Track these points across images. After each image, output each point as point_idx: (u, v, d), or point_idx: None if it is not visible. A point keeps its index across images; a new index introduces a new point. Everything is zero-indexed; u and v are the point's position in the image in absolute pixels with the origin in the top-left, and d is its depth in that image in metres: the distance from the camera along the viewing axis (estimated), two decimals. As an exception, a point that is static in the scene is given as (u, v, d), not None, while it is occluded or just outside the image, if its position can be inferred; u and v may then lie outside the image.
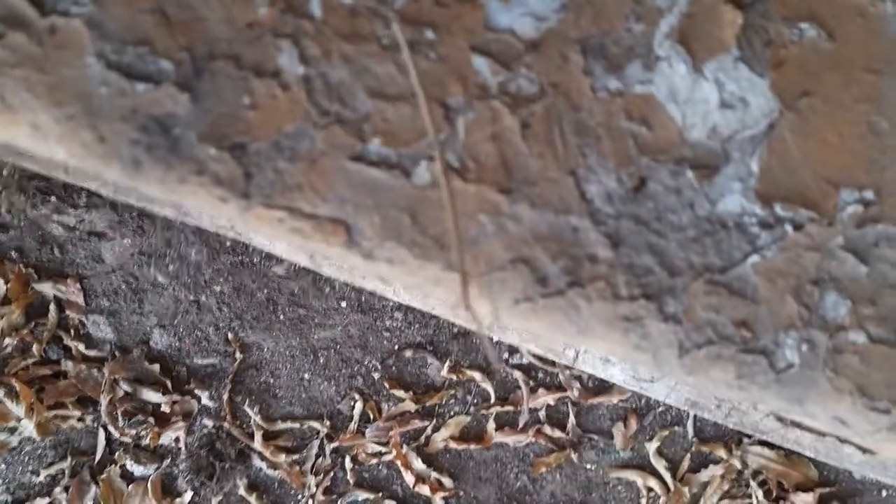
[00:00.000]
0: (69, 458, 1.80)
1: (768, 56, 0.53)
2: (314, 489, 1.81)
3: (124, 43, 0.49)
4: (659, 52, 0.53)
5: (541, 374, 1.83)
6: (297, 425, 1.83)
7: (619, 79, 0.53)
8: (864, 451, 1.57)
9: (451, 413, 1.83)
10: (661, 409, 1.81)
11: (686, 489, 1.78)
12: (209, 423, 1.83)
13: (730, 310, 0.55)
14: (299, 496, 1.82)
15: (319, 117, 0.51)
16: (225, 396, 1.81)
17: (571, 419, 1.82)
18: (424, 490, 1.80)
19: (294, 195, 0.51)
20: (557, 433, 1.82)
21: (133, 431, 1.81)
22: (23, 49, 0.48)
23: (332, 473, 1.82)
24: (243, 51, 0.50)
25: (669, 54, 0.53)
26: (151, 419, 1.81)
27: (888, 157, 0.54)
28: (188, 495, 1.80)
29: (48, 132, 0.49)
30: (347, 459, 1.81)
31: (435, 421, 1.82)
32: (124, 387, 1.80)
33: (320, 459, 1.82)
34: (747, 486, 1.78)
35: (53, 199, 1.81)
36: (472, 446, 1.81)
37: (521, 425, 1.83)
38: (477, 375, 1.81)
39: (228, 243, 1.81)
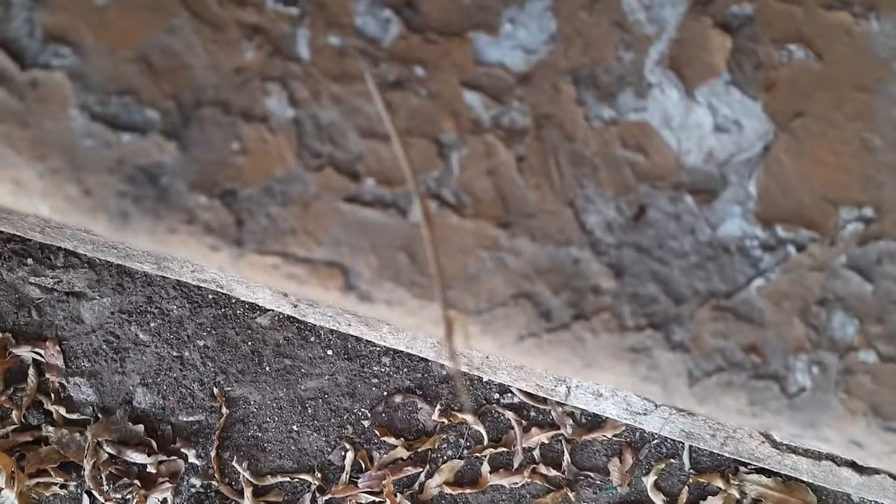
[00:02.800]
0: (52, 530, 1.75)
1: (759, 78, 0.53)
2: None
3: (108, 93, 0.48)
4: (650, 79, 0.53)
5: (533, 413, 1.82)
6: (287, 479, 1.80)
7: (612, 107, 0.52)
8: (861, 472, 1.56)
9: (445, 457, 1.81)
10: (655, 441, 1.80)
11: (686, 522, 1.77)
12: (197, 482, 1.80)
13: (738, 335, 0.54)
14: None
15: (311, 160, 0.50)
16: (212, 453, 1.79)
17: (566, 457, 1.81)
18: None
19: (288, 240, 0.50)
20: (553, 472, 1.81)
21: (118, 495, 1.77)
22: (3, 104, 0.47)
23: (325, 526, 1.77)
24: (231, 96, 0.49)
25: (661, 81, 0.53)
26: (137, 481, 1.77)
27: (884, 173, 0.54)
28: None
29: (31, 188, 0.47)
30: (341, 511, 1.76)
31: (428, 467, 1.80)
32: (108, 449, 1.77)
33: (313, 513, 1.76)
34: (747, 515, 1.77)
35: (30, 260, 1.79)
36: (468, 490, 1.79)
37: (515, 466, 1.82)
38: (469, 418, 1.80)
39: (210, 296, 1.79)
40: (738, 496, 1.80)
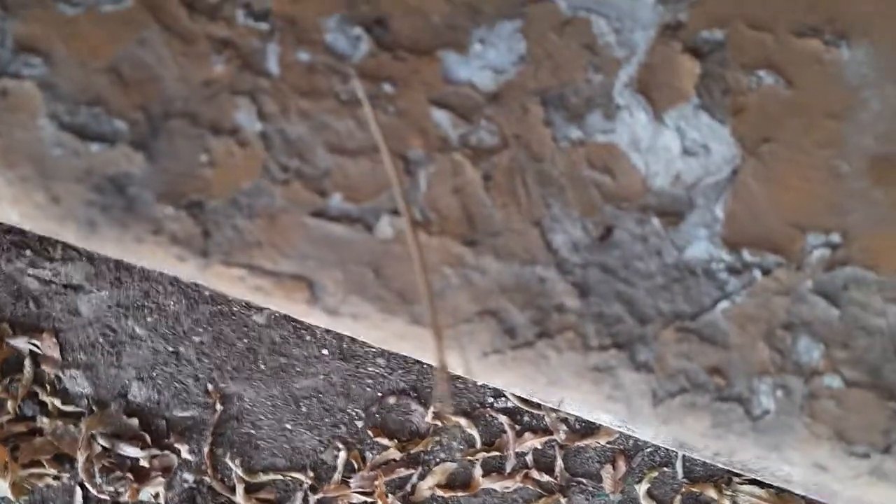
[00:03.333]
0: (45, 518, 1.75)
1: (728, 103, 0.53)
2: None
3: (78, 104, 0.48)
4: (619, 101, 0.53)
5: (526, 418, 1.81)
6: (279, 477, 1.80)
7: (581, 128, 0.53)
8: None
9: (437, 460, 1.81)
10: (649, 449, 1.79)
11: (677, 532, 1.76)
12: (189, 477, 1.80)
13: (702, 357, 0.54)
14: None
15: (279, 173, 0.50)
16: (205, 449, 1.79)
17: (559, 463, 1.80)
18: None
19: (254, 252, 0.50)
20: (545, 477, 1.79)
21: (111, 488, 1.77)
22: (-27, 112, 0.47)
23: (317, 525, 1.77)
24: (200, 109, 0.49)
25: (630, 103, 0.53)
26: (130, 475, 1.78)
27: (852, 200, 0.54)
28: None
29: (1, 194, 0.48)
30: (332, 511, 1.76)
31: (421, 468, 1.79)
32: (102, 442, 1.77)
33: (304, 511, 1.77)
34: (738, 526, 1.76)
35: (28, 252, 1.80)
36: (459, 493, 1.79)
37: (508, 470, 1.81)
38: (462, 421, 1.80)
39: (207, 293, 1.80)
40: None
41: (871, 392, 0.55)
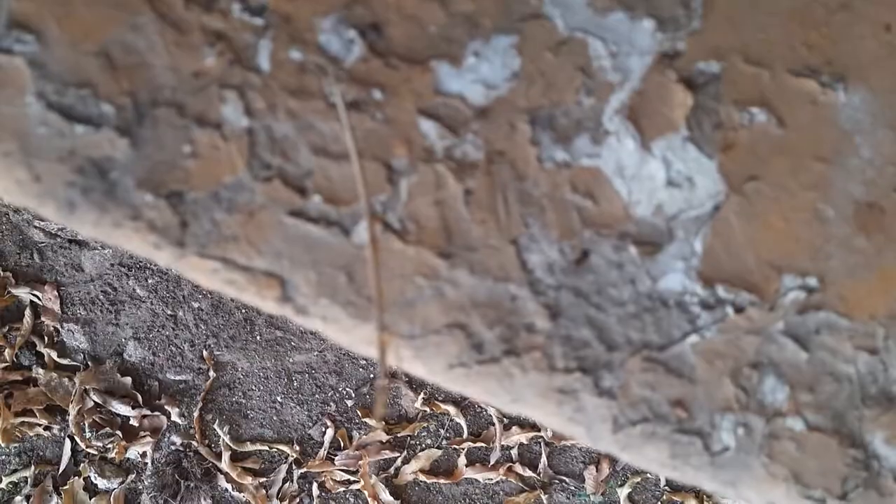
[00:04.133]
0: (33, 467, 1.78)
1: (717, 138, 0.53)
2: None
3: (66, 84, 0.48)
4: (608, 126, 0.53)
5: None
6: (266, 448, 1.82)
7: (567, 151, 0.53)
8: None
9: (423, 446, 1.83)
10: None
11: (655, 538, 1.78)
12: (177, 440, 1.82)
13: (666, 388, 0.54)
14: None
15: (261, 170, 0.50)
16: (195, 414, 1.81)
17: (544, 459, 1.82)
18: None
19: (229, 247, 0.50)
20: (529, 473, 1.81)
21: (100, 444, 1.80)
22: (-38, 85, 0.48)
23: (298, 499, 1.81)
24: (187, 99, 0.49)
25: (618, 130, 0.53)
26: (119, 432, 1.80)
27: (833, 245, 0.54)
28: None
29: (-16, 168, 0.48)
30: (315, 486, 1.81)
31: (406, 452, 1.82)
32: (94, 398, 1.79)
33: (287, 484, 1.81)
34: (716, 537, 1.78)
35: (37, 204, 1.81)
36: (442, 480, 1.81)
37: (492, 462, 1.83)
38: (451, 409, 1.81)
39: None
40: None
41: (833, 438, 0.56)
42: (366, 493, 1.78)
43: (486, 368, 0.53)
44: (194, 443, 1.81)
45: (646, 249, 0.54)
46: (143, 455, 1.80)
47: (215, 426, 1.81)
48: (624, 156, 0.53)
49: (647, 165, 0.53)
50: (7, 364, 1.79)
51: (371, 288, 0.51)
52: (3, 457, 1.79)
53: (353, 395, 1.84)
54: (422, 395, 1.80)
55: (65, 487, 1.77)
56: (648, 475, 1.81)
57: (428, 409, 1.82)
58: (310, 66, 0.50)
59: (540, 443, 1.84)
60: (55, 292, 1.81)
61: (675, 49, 0.53)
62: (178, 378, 1.85)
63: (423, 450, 1.84)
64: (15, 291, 1.80)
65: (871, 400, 0.56)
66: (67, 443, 1.80)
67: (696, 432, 0.55)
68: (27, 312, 1.80)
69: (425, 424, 1.84)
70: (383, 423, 1.79)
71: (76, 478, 1.79)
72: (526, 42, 0.52)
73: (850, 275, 0.55)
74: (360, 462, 1.82)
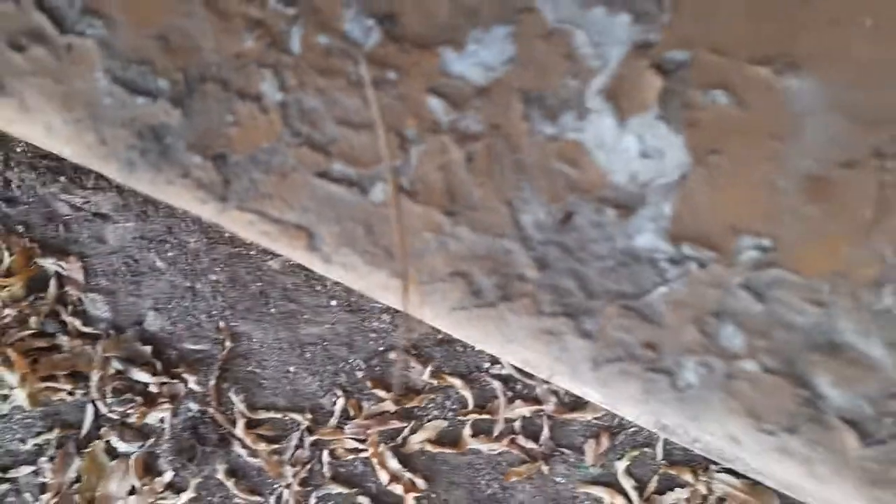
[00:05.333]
0: (56, 430, 1.84)
1: (685, 117, 0.61)
2: (291, 479, 1.84)
3: (129, 62, 0.57)
4: (590, 105, 0.61)
5: (519, 386, 1.85)
6: (279, 416, 1.87)
7: (554, 126, 0.61)
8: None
9: (430, 417, 1.85)
10: (632, 429, 1.82)
11: (651, 509, 1.79)
12: (194, 406, 1.86)
13: (638, 332, 0.63)
14: (276, 485, 1.85)
15: (292, 138, 0.59)
16: (212, 382, 1.85)
17: (545, 432, 1.81)
18: (398, 489, 1.83)
19: (265, 202, 0.59)
20: (531, 445, 1.83)
21: (120, 409, 1.85)
22: (42, 61, 0.57)
23: (309, 465, 1.86)
24: (230, 76, 0.58)
25: (599, 108, 0.61)
26: (139, 398, 1.85)
27: (785, 212, 0.62)
28: (168, 475, 1.84)
29: (58, 133, 0.57)
30: (325, 453, 1.85)
31: (413, 423, 1.84)
32: (116, 365, 1.84)
33: (299, 451, 1.86)
34: (711, 511, 1.79)
35: (63, 178, 1.85)
36: (447, 450, 1.83)
37: (495, 434, 1.83)
38: (457, 382, 1.82)
39: (227, 234, 1.84)
40: (704, 492, 1.81)
41: (784, 379, 0.64)
42: (374, 460, 1.83)
43: (483, 312, 0.62)
44: (210, 410, 1.85)
45: (622, 212, 0.62)
46: (162, 420, 1.86)
47: (231, 394, 1.85)
48: (604, 131, 0.61)
49: (624, 139, 0.61)
50: (33, 331, 1.83)
51: (394, 242, 0.60)
52: (29, 420, 1.86)
53: (364, 366, 1.85)
54: (429, 368, 1.82)
55: (86, 450, 1.84)
56: (647, 449, 1.82)
57: (435, 382, 1.81)
58: (335, 50, 0.59)
59: (542, 416, 1.84)
60: (79, 263, 1.85)
61: (649, 40, 0.61)
62: (195, 347, 1.87)
63: (430, 421, 1.84)
64: (41, 262, 1.83)
65: (818, 347, 0.64)
66: (90, 408, 1.86)
67: (663, 371, 0.63)
68: (52, 282, 1.85)
69: (432, 396, 1.83)
70: (392, 393, 1.83)
71: (98, 441, 1.85)
72: (520, 31, 0.61)
73: (800, 237, 0.63)
74: (370, 431, 1.83)
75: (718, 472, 1.80)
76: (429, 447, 1.84)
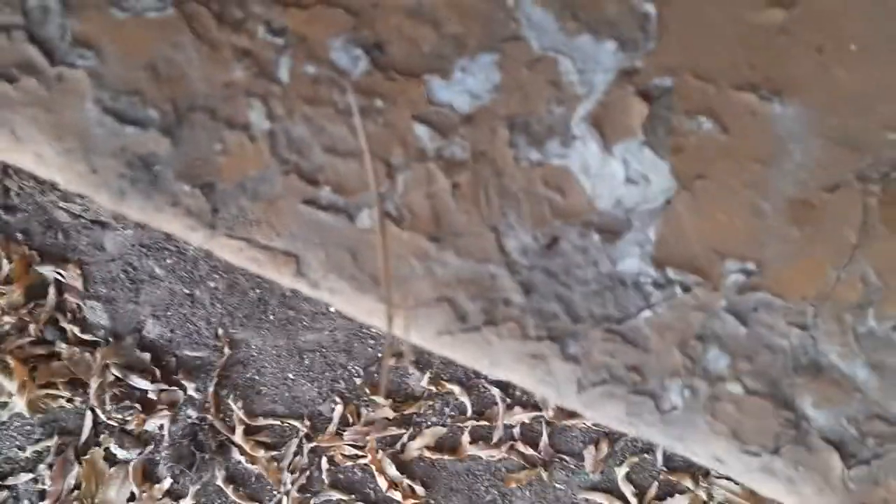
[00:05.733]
0: (55, 437, 1.84)
1: (670, 143, 0.62)
2: (289, 486, 1.85)
3: (119, 92, 0.58)
4: (575, 132, 0.62)
5: (518, 392, 1.85)
6: (277, 423, 1.87)
7: (540, 152, 0.62)
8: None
9: (428, 423, 1.86)
10: (632, 436, 1.82)
11: (652, 516, 1.79)
12: (193, 413, 1.87)
13: (623, 356, 0.64)
14: (274, 492, 1.86)
15: (280, 166, 0.60)
16: (210, 389, 1.86)
17: (545, 438, 1.83)
18: (396, 496, 1.83)
19: (253, 229, 0.60)
20: (530, 451, 1.84)
21: (119, 416, 1.85)
22: (33, 92, 0.57)
23: (308, 472, 1.86)
24: (219, 105, 0.59)
25: (584, 135, 0.62)
26: (138, 405, 1.85)
27: (769, 236, 0.63)
28: (167, 482, 1.84)
29: (49, 162, 0.58)
30: (324, 460, 1.86)
31: (412, 430, 1.85)
32: (115, 372, 1.84)
33: (298, 458, 1.86)
34: (711, 517, 1.79)
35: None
36: (446, 457, 1.84)
37: (494, 440, 1.83)
38: (456, 389, 1.84)
39: (225, 243, 1.83)
40: (705, 498, 1.81)
41: (768, 401, 0.65)
42: (373, 467, 1.83)
43: (469, 336, 0.63)
44: (209, 416, 1.86)
45: (607, 236, 0.63)
46: (161, 427, 1.86)
47: (229, 401, 1.85)
48: (589, 157, 0.62)
49: (609, 165, 0.62)
50: (32, 339, 1.83)
51: (379, 268, 0.61)
52: (28, 427, 1.86)
53: (362, 373, 1.85)
54: (428, 374, 1.82)
55: (85, 457, 1.84)
56: (646, 456, 1.82)
57: (434, 389, 1.82)
58: (323, 79, 0.59)
59: (541, 422, 1.84)
60: (78, 271, 1.85)
61: (634, 66, 0.62)
62: (194, 354, 1.87)
63: (428, 427, 1.85)
64: (40, 269, 1.83)
65: (802, 369, 0.65)
66: (89, 414, 1.86)
67: (648, 393, 0.64)
68: (51, 290, 1.85)
69: (431, 403, 1.84)
70: (390, 400, 1.84)
71: (97, 448, 1.85)
72: (506, 59, 0.61)
73: (784, 261, 0.64)
74: (368, 438, 1.83)
75: (718, 478, 1.80)
76: (427, 454, 1.85)
